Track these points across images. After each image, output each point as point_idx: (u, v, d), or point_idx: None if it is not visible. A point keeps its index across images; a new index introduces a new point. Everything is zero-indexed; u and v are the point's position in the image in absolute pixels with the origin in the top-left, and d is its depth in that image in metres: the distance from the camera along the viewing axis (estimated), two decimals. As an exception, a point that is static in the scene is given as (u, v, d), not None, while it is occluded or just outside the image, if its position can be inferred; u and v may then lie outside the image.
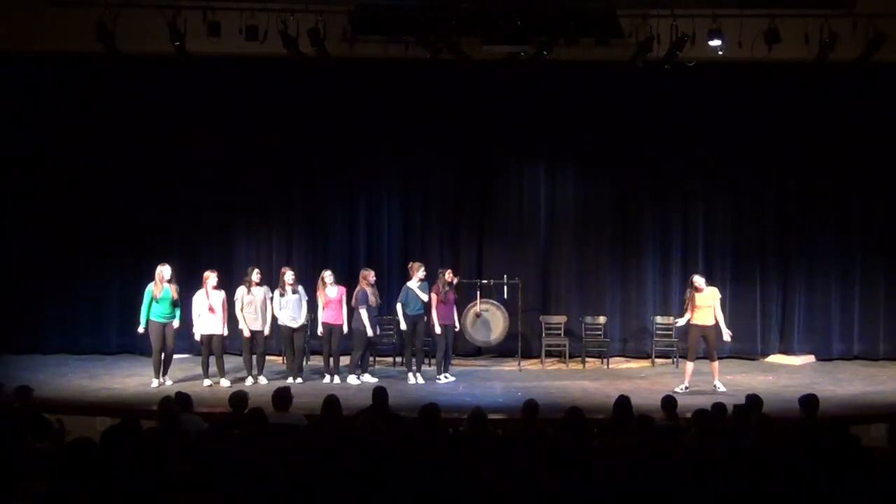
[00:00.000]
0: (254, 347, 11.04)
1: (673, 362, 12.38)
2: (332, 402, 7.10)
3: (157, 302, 10.67)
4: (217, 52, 11.03)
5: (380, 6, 11.17)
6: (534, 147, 13.25)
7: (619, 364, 12.69)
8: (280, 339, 11.55)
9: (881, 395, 10.65)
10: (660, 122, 12.86)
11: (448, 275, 11.24)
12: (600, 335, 12.70)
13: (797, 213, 13.05)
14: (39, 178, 12.76)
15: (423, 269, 11.29)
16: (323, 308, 11.13)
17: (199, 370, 11.04)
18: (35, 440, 6.68)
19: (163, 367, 10.82)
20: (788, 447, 6.17)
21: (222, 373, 10.94)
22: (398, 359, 12.26)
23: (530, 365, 12.53)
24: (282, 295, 11.03)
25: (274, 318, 11.07)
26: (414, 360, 11.29)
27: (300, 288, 11.16)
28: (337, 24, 11.34)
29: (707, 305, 10.62)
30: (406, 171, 13.29)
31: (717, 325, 10.70)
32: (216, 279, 10.91)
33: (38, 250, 12.75)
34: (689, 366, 10.71)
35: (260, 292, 11.04)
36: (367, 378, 11.16)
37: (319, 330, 11.19)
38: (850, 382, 11.38)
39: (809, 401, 7.28)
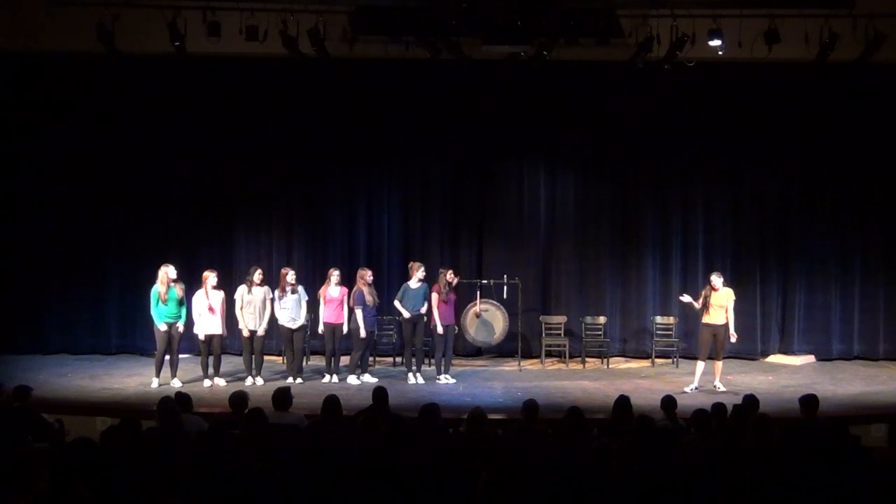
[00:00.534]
0: (253, 347, 11.04)
1: (673, 362, 12.39)
2: (332, 402, 7.08)
3: (163, 303, 10.63)
4: (217, 52, 11.01)
5: (380, 6, 11.16)
6: (534, 147, 13.25)
7: (619, 364, 12.69)
8: (280, 340, 11.56)
9: (881, 395, 10.66)
10: (660, 122, 12.86)
11: (449, 275, 11.24)
12: (600, 335, 12.70)
13: (797, 213, 13.05)
14: (39, 177, 12.76)
15: (422, 269, 11.29)
16: (325, 307, 11.13)
17: (199, 370, 11.04)
18: (35, 440, 6.70)
19: (171, 369, 10.79)
20: (788, 447, 6.17)
21: (217, 372, 10.95)
22: (398, 359, 12.27)
23: (530, 365, 12.53)
24: (281, 297, 11.03)
25: (273, 319, 11.07)
26: (414, 360, 11.29)
27: (300, 288, 11.15)
28: (337, 24, 11.34)
29: (720, 305, 10.61)
30: (406, 170, 13.30)
31: (727, 325, 10.67)
32: (216, 279, 10.90)
33: (39, 250, 12.75)
34: (700, 365, 10.71)
35: (260, 292, 11.03)
36: (367, 378, 11.16)
37: (321, 328, 11.20)
38: (850, 382, 11.39)
39: (809, 401, 7.27)
